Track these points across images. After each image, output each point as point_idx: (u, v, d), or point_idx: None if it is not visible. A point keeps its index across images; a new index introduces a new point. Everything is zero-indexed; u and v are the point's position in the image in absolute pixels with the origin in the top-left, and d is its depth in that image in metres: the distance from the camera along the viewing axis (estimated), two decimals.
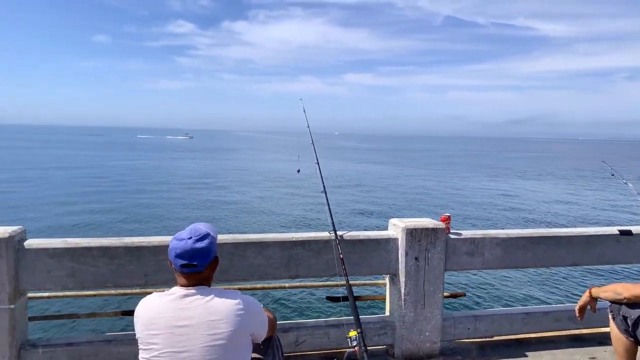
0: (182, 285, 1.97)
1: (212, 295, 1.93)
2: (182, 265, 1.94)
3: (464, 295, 4.53)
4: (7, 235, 2.90)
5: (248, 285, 3.82)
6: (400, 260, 3.55)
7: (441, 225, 3.60)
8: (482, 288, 12.58)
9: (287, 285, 3.83)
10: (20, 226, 3.11)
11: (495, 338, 3.91)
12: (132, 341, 3.15)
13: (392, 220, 3.73)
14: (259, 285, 3.82)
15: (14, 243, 2.94)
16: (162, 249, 3.11)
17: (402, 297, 3.55)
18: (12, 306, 2.92)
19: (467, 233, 3.75)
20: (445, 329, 3.71)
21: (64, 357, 3.09)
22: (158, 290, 3.24)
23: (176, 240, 1.98)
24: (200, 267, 1.97)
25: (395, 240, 3.56)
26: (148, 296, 2.01)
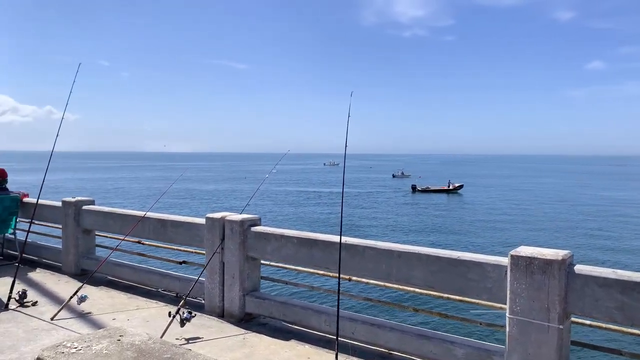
0: None
1: None
2: None
3: None
4: (559, 258, 3.09)
5: None
6: None
7: None
8: None
9: None
10: (569, 251, 3.26)
11: None
12: None
13: None
14: None
15: (565, 266, 3.10)
16: None
17: None
18: (560, 326, 3.07)
19: None
20: None
21: None
22: None
23: None
24: None
25: None
26: None
